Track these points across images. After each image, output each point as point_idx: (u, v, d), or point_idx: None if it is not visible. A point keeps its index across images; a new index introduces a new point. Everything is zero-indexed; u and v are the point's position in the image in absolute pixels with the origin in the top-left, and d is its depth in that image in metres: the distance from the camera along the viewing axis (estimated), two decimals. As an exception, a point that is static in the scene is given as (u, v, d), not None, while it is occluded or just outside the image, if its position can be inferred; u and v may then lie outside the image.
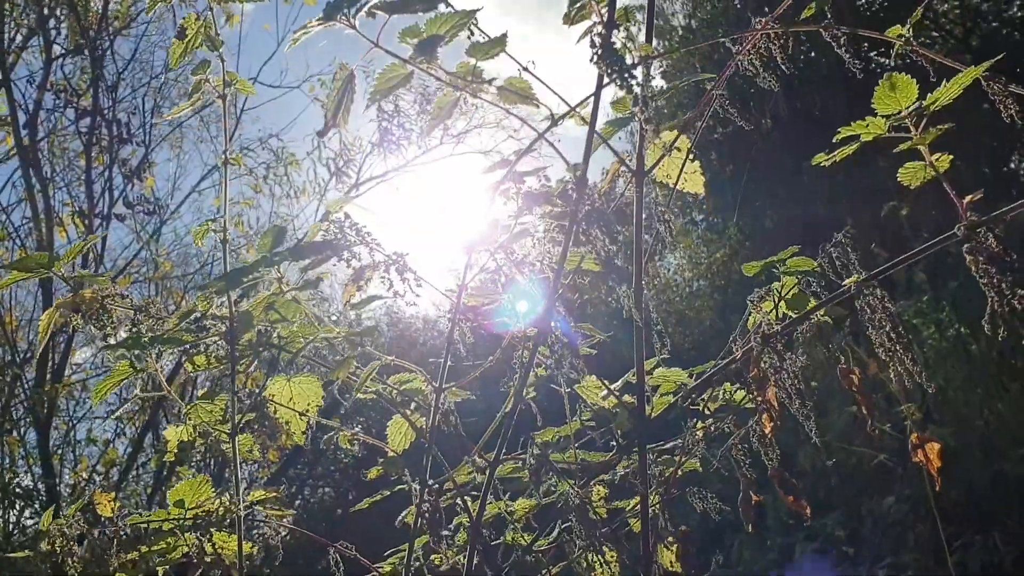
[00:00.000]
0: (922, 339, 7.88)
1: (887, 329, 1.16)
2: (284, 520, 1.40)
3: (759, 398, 1.75)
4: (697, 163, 1.46)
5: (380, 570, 1.69)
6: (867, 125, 1.17)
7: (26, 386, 11.99)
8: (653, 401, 1.63)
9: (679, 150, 1.37)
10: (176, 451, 1.43)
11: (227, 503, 1.45)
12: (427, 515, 1.39)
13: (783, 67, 1.46)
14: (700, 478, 1.91)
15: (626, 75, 0.98)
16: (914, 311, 7.47)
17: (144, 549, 1.51)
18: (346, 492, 15.95)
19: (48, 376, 11.74)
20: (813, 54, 15.39)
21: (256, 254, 1.26)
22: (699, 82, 1.72)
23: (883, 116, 1.18)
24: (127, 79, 11.29)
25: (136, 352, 1.31)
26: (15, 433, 12.09)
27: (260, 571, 1.54)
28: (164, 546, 1.53)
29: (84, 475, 10.85)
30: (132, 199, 11.30)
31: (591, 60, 1.08)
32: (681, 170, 1.44)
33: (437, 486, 1.41)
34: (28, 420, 12.04)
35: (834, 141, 1.24)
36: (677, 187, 1.46)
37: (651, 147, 1.42)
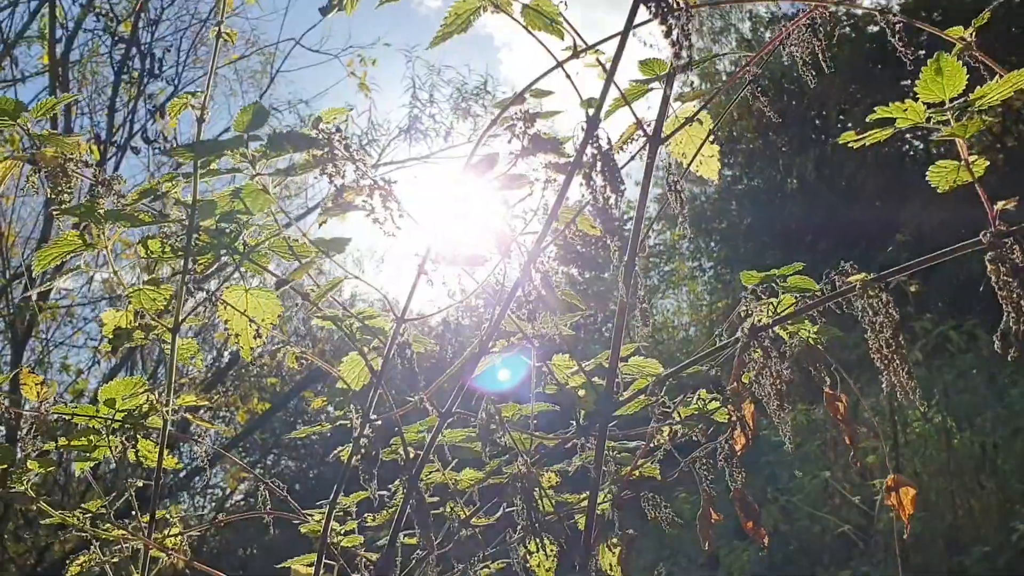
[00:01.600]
0: (907, 419, 7.79)
1: (887, 335, 1.08)
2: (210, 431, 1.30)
3: (735, 412, 1.67)
4: (716, 147, 1.38)
5: (311, 517, 1.60)
6: (905, 109, 1.08)
7: (11, 303, 11.92)
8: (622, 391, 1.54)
9: (700, 122, 1.29)
10: (112, 336, 1.34)
11: (155, 400, 1.36)
12: (364, 451, 1.29)
13: (824, 64, 1.38)
14: (661, 486, 1.82)
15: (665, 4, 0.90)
16: (905, 389, 7.35)
17: (63, 442, 1.42)
18: (308, 468, 15.83)
19: (34, 295, 11.66)
20: (849, 125, 15.38)
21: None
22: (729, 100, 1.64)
23: (924, 103, 1.09)
24: (171, 18, 11.24)
25: (89, 222, 1.23)
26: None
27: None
28: (85, 443, 1.44)
29: (49, 400, 10.75)
30: (151, 135, 11.23)
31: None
32: (699, 150, 1.36)
33: (380, 422, 1.32)
34: (6, 336, 11.96)
35: (867, 121, 1.15)
36: (691, 168, 1.38)
37: (670, 120, 1.34)
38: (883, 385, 1.10)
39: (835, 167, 15.10)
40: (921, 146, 15.52)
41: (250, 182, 1.20)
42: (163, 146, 11.51)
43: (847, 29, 15.55)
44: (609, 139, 1.09)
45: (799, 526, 8.11)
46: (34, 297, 10.83)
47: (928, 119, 1.09)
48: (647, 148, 1.25)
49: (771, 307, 1.39)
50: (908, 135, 15.73)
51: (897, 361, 1.08)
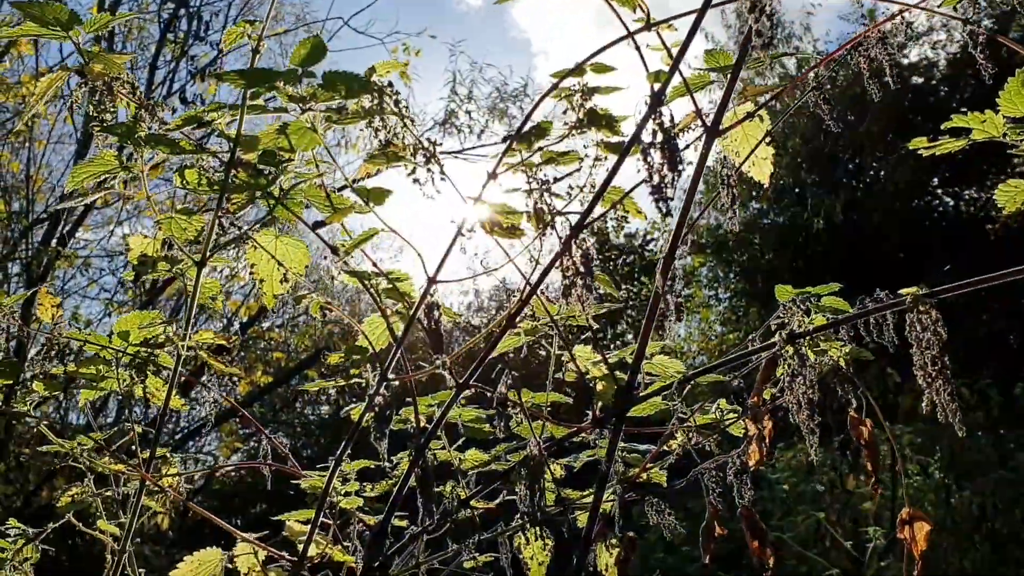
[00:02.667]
0: (908, 472, 7.70)
1: (933, 352, 1.04)
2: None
3: (754, 426, 1.63)
4: (771, 149, 1.34)
5: (305, 483, 1.57)
6: (983, 120, 1.05)
7: (31, 246, 11.98)
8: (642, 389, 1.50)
9: (760, 119, 1.25)
10: (136, 262, 1.31)
11: (171, 333, 1.33)
12: (376, 410, 1.26)
13: (891, 80, 1.34)
14: (664, 497, 1.78)
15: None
16: (908, 440, 7.29)
17: (71, 368, 1.39)
18: (303, 447, 15.81)
19: (54, 241, 11.72)
20: (883, 174, 15.29)
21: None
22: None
23: (1005, 117, 1.06)
24: (224, -18, 11.28)
25: (126, 143, 1.20)
26: (5, 287, 12.06)
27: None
28: (93, 372, 1.41)
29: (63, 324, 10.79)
30: (189, 97, 11.26)
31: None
32: (753, 150, 1.32)
33: (397, 383, 1.29)
34: (21, 278, 12.01)
35: (941, 128, 1.11)
36: (743, 168, 1.34)
37: (729, 116, 1.30)
38: (924, 405, 1.06)
39: (863, 213, 15.01)
40: (952, 203, 15.41)
41: (298, 119, 1.17)
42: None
43: (891, 77, 15.46)
44: (672, 116, 1.06)
45: (787, 565, 8.03)
46: (53, 243, 10.88)
47: (1004, 134, 1.05)
48: (702, 140, 1.21)
49: (809, 321, 1.36)
50: (940, 190, 15.63)
51: (940, 381, 1.05)
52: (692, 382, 1.61)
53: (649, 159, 1.04)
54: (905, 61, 15.34)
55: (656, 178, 1.03)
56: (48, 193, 12.67)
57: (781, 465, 8.76)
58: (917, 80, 15.37)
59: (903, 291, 1.13)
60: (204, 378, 1.65)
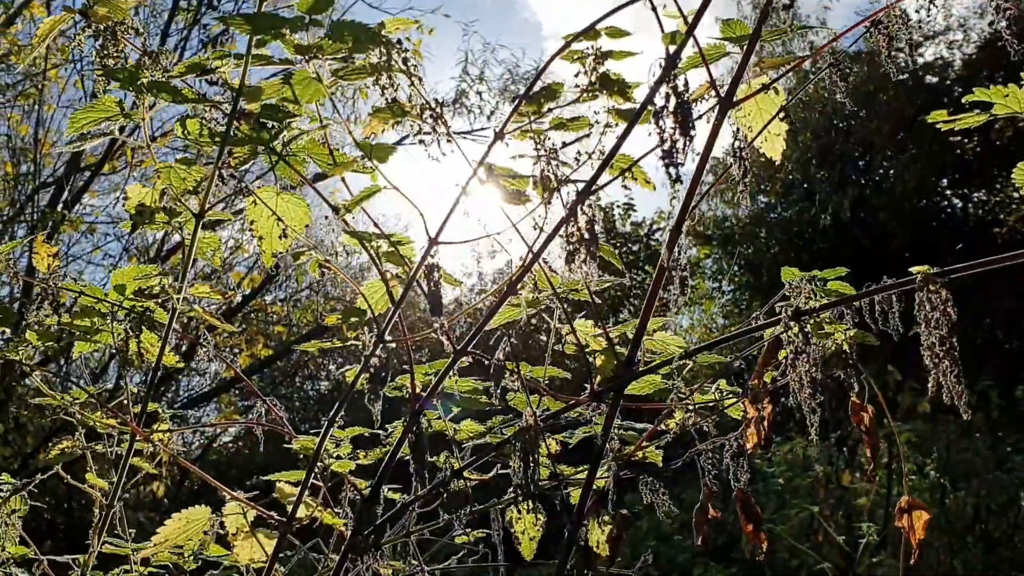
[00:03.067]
0: (903, 469, 7.69)
1: (942, 332, 1.02)
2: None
3: (753, 408, 1.61)
4: (784, 125, 1.32)
5: (297, 443, 1.55)
6: (1006, 95, 1.02)
7: (36, 209, 11.96)
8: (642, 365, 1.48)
9: (776, 92, 1.23)
10: (134, 212, 1.29)
11: (167, 284, 1.31)
12: (372, 371, 1.24)
13: (908, 58, 1.31)
14: (663, 476, 1.77)
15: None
16: (905, 437, 7.28)
17: (66, 319, 1.38)
18: (300, 422, 15.83)
19: (60, 205, 11.72)
20: (892, 173, 15.23)
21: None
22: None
23: (1029, 92, 1.03)
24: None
25: (129, 89, 1.18)
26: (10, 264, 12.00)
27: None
28: (88, 324, 1.40)
29: (59, 275, 10.79)
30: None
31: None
32: (766, 125, 1.30)
33: (394, 344, 1.27)
34: (27, 241, 12.00)
35: (963, 102, 1.09)
36: (755, 144, 1.32)
37: (743, 88, 1.28)
38: (929, 386, 1.04)
39: (871, 211, 14.96)
40: (960, 205, 15.35)
41: (303, 68, 1.15)
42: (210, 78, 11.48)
43: (906, 76, 15.38)
44: (686, 81, 1.04)
45: (778, 558, 8.03)
46: (60, 207, 10.86)
47: (1028, 110, 1.03)
48: (715, 111, 1.19)
49: (815, 299, 1.33)
50: (949, 192, 15.56)
51: (947, 362, 1.02)
52: (692, 363, 1.60)
53: (661, 123, 1.02)
54: (920, 60, 15.24)
55: (668, 143, 1.00)
56: (56, 158, 12.65)
57: (777, 459, 8.75)
58: (931, 79, 15.28)
59: (914, 268, 1.11)
60: (204, 349, 1.64)
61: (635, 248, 17.00)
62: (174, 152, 12.79)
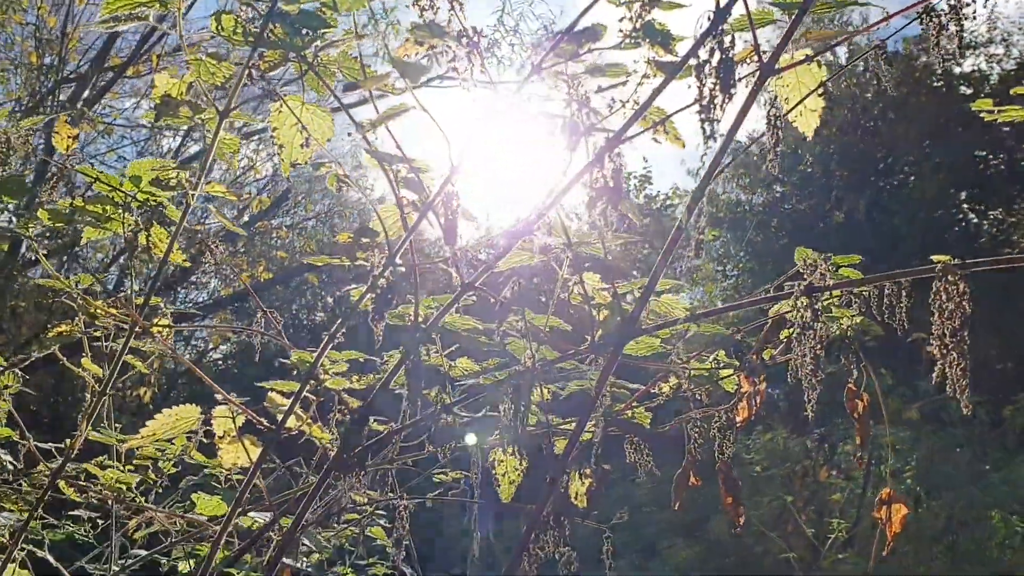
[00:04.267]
0: (881, 474, 7.75)
1: (955, 324, 1.02)
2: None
3: (748, 382, 1.61)
4: (821, 102, 1.30)
5: (294, 355, 1.55)
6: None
7: (56, 103, 11.91)
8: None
9: (819, 64, 1.21)
10: (159, 101, 1.28)
11: (184, 178, 1.31)
12: (378, 292, 1.24)
13: (956, 53, 1.29)
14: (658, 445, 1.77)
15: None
16: (890, 441, 7.30)
17: (78, 202, 1.37)
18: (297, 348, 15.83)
19: (80, 103, 11.67)
20: (912, 179, 15.13)
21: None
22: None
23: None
24: None
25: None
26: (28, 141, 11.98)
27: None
28: (100, 210, 1.39)
29: (76, 157, 10.80)
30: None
31: None
32: (803, 99, 1.28)
33: (404, 268, 1.27)
34: (42, 135, 11.97)
35: (1011, 93, 1.07)
36: (789, 117, 1.30)
37: (785, 59, 1.26)
38: (933, 376, 1.04)
39: (885, 214, 14.89)
40: (975, 220, 15.28)
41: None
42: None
43: (940, 83, 15.22)
44: (733, 38, 1.02)
45: (744, 542, 8.11)
46: (82, 102, 10.81)
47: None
48: (755, 77, 1.17)
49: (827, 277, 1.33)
50: (966, 205, 15.48)
51: (955, 354, 1.02)
52: (694, 329, 1.60)
53: (703, 78, 1.00)
54: (956, 70, 15.07)
55: (707, 98, 0.99)
56: (81, 54, 12.56)
57: (756, 447, 8.80)
58: (965, 90, 15.12)
59: (935, 257, 1.10)
60: (212, 254, 1.63)
61: (646, 221, 16.95)
62: (199, 62, 12.64)
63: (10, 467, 1.58)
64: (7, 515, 1.96)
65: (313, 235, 16.00)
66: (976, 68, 15.32)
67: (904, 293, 1.31)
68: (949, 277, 1.04)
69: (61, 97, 11.89)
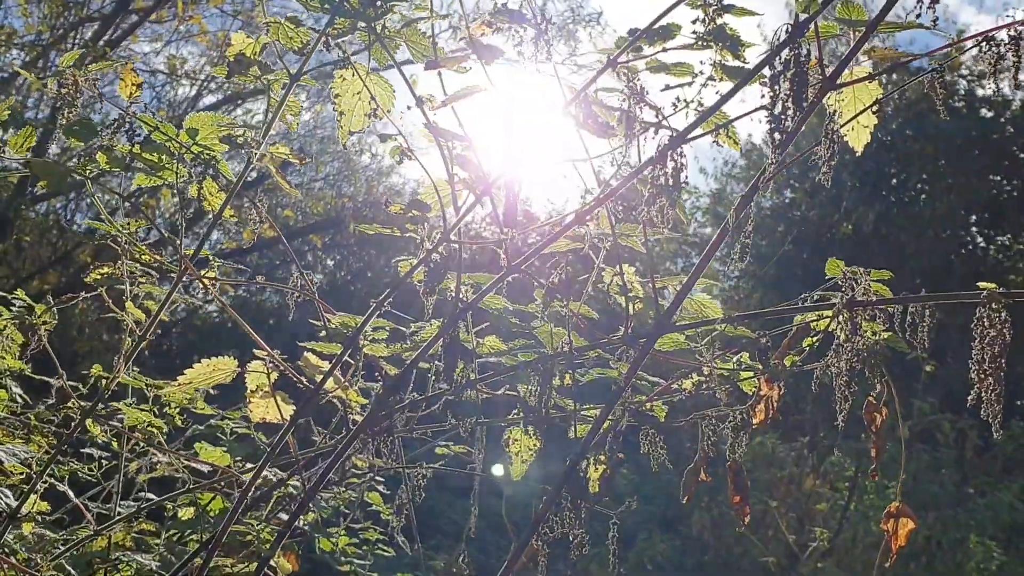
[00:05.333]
0: (866, 488, 7.81)
1: (994, 350, 1.05)
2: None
3: (768, 386, 1.65)
4: (874, 119, 1.33)
5: (337, 319, 1.58)
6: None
7: (77, 42, 11.88)
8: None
9: (880, 83, 1.24)
10: (233, 58, 1.30)
11: (249, 137, 1.33)
12: (431, 267, 1.27)
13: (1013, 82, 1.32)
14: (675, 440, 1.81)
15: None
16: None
17: (136, 149, 1.39)
18: (291, 309, 15.85)
19: (102, 41, 11.64)
20: (923, 197, 15.13)
21: None
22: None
23: None
24: None
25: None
26: (42, 76, 12.00)
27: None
28: (155, 159, 1.41)
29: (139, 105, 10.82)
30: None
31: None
32: (857, 114, 1.31)
33: (457, 245, 1.29)
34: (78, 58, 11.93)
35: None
36: (841, 131, 1.33)
37: (846, 74, 1.28)
38: (970, 397, 1.07)
39: (893, 229, 14.90)
40: (982, 244, 15.30)
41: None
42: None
43: (961, 103, 15.18)
44: (809, 51, 1.05)
45: (724, 542, 8.18)
46: (101, 43, 10.78)
47: None
48: (817, 88, 1.20)
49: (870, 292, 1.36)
50: (975, 229, 15.50)
51: (992, 380, 1.06)
52: (719, 329, 1.63)
53: (776, 88, 1.03)
54: (979, 92, 15.03)
55: (779, 108, 1.02)
56: (103, -1, 12.51)
57: (745, 451, 8.85)
58: (986, 113, 15.09)
59: (981, 284, 1.13)
60: (257, 210, 1.65)
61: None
62: (224, 15, 12.64)
63: (42, 403, 1.62)
64: (23, 448, 2.00)
65: (320, 196, 15.98)
66: (999, 92, 15.29)
67: (928, 313, 1.35)
68: (993, 305, 1.07)
69: (84, 36, 11.86)
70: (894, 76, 1.35)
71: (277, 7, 12.67)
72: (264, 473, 1.89)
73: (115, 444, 2.15)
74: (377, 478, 2.41)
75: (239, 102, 13.27)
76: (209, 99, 13.63)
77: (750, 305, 17.02)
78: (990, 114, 15.11)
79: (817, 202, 16.30)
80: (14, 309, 1.94)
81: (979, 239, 15.46)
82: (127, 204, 1.55)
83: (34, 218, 12.02)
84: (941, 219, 14.77)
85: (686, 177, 1.12)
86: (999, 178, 15.15)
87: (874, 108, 1.30)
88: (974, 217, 15.53)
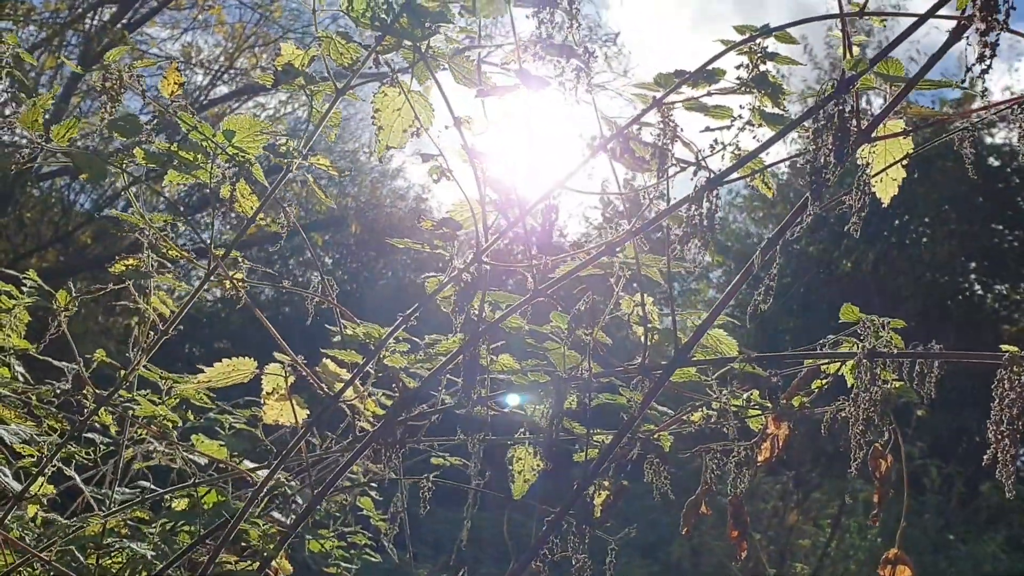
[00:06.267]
0: (849, 528, 7.83)
1: (1012, 412, 1.07)
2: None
3: (774, 425, 1.67)
4: (903, 173, 1.35)
5: (360, 329, 1.60)
6: None
7: (96, 22, 11.90)
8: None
9: (912, 139, 1.26)
10: (281, 68, 1.31)
11: (291, 147, 1.35)
12: (462, 286, 1.29)
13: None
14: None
15: None
16: (863, 497, 7.39)
17: (173, 148, 1.41)
18: (284, 304, 15.92)
19: (120, 24, 11.67)
20: (924, 240, 15.20)
21: None
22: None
23: None
24: None
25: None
26: (58, 54, 12.04)
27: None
28: (191, 157, 1.43)
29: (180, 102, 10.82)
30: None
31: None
32: (887, 168, 1.33)
33: (488, 267, 1.31)
34: (76, 51, 11.97)
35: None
36: (871, 181, 1.35)
37: (880, 129, 1.31)
38: (985, 458, 1.09)
39: (892, 269, 14.94)
40: (980, 291, 15.36)
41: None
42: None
43: (969, 148, 15.24)
44: (854, 107, 1.07)
45: (702, 571, 8.18)
46: (122, 25, 10.80)
47: None
48: (852, 141, 1.22)
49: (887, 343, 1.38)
50: (973, 276, 15.55)
51: (1008, 441, 1.08)
52: (733, 367, 1.65)
53: (820, 141, 1.05)
54: (988, 140, 15.11)
55: (821, 161, 1.04)
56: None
57: (747, 487, 8.86)
58: (993, 162, 15.17)
59: (1004, 347, 1.15)
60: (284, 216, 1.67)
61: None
62: (241, 6, 12.66)
63: (58, 389, 1.63)
64: (27, 429, 2.01)
65: (325, 193, 15.99)
66: (1008, 142, 15.38)
67: (936, 364, 1.37)
68: (1015, 367, 1.09)
69: (103, 16, 11.89)
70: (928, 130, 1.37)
71: (295, 4, 12.68)
72: (260, 473, 1.91)
73: (114, 430, 2.17)
74: (371, 484, 2.42)
75: (250, 95, 13.31)
76: (223, 89, 13.66)
77: (743, 334, 17.05)
78: (997, 163, 15.19)
79: (818, 238, 16.35)
80: (25, 289, 1.95)
81: (977, 287, 15.52)
82: (140, 187, 1.57)
83: (38, 195, 12.01)
84: (940, 264, 14.82)
85: (720, 218, 1.14)
86: (1001, 227, 15.22)
87: (904, 162, 1.33)
88: (973, 264, 15.59)
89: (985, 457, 1.10)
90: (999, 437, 1.09)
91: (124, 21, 11.76)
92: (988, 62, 0.94)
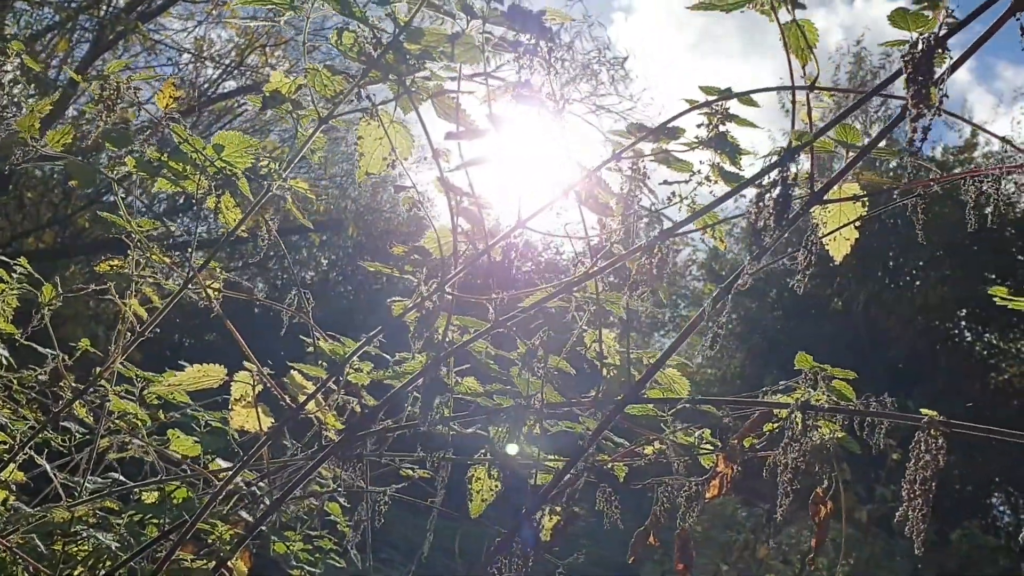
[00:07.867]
0: (819, 564, 7.87)
1: (926, 474, 1.13)
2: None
3: (725, 464, 1.73)
4: (855, 234, 1.42)
5: (327, 346, 1.66)
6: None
7: (111, 9, 11.96)
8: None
9: (864, 203, 1.33)
10: (268, 93, 1.38)
11: (273, 168, 1.42)
12: (424, 313, 1.35)
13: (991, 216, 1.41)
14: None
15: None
16: (833, 536, 7.43)
17: (165, 158, 1.47)
18: (278, 300, 15.89)
19: (135, 13, 11.73)
20: (918, 284, 15.29)
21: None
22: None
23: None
24: None
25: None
26: (71, 37, 12.10)
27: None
28: (179, 168, 1.49)
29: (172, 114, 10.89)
30: None
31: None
32: (839, 228, 1.40)
33: (451, 297, 1.38)
34: (89, 35, 12.05)
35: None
36: (824, 239, 1.42)
37: (835, 191, 1.37)
38: (897, 515, 1.15)
39: (883, 311, 15.02)
40: (969, 339, 15.43)
41: (468, 34, 1.24)
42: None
43: (967, 198, 15.33)
44: (796, 176, 1.13)
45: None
46: (135, 14, 10.87)
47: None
48: (803, 202, 1.29)
49: (816, 394, 1.44)
50: (964, 323, 15.64)
51: (920, 501, 1.14)
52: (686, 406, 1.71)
53: (762, 203, 1.11)
54: (984, 187, 15.19)
55: (762, 222, 1.10)
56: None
57: (700, 516, 8.91)
58: (989, 211, 15.23)
59: (924, 411, 1.21)
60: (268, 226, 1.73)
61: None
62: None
63: (28, 370, 1.69)
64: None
65: (324, 196, 16.07)
66: (1005, 192, 15.46)
67: (881, 421, 1.43)
68: (932, 431, 1.15)
69: (118, 3, 11.96)
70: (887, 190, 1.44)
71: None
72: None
73: (89, 419, 2.22)
74: (339, 490, 2.47)
75: (257, 93, 13.37)
76: (231, 83, 13.71)
77: (731, 365, 17.11)
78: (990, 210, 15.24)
79: (811, 274, 16.43)
80: (15, 275, 2.01)
81: (967, 334, 15.60)
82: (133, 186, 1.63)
83: (39, 176, 12.05)
84: (931, 309, 14.91)
85: (669, 268, 1.21)
86: (994, 276, 15.31)
87: (856, 224, 1.39)
88: (964, 311, 15.67)
89: (897, 514, 1.16)
90: (912, 496, 1.15)
91: (140, 9, 11.83)
92: (919, 144, 1.01)
